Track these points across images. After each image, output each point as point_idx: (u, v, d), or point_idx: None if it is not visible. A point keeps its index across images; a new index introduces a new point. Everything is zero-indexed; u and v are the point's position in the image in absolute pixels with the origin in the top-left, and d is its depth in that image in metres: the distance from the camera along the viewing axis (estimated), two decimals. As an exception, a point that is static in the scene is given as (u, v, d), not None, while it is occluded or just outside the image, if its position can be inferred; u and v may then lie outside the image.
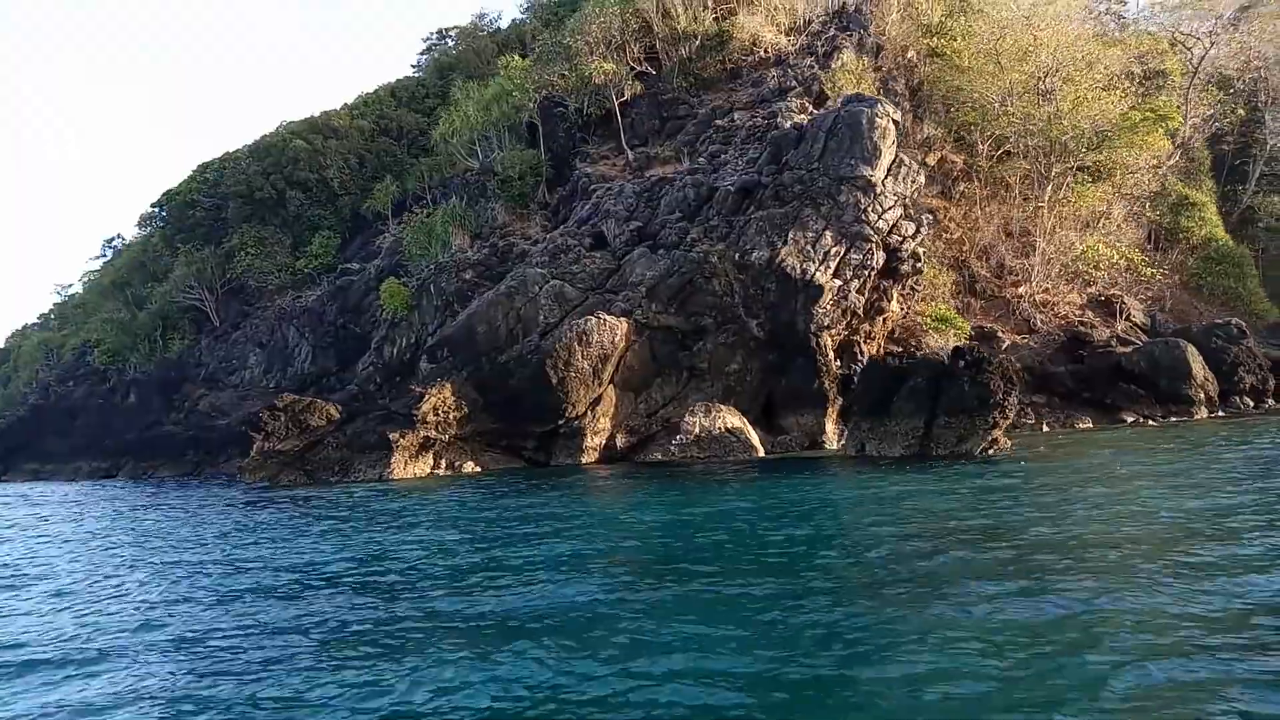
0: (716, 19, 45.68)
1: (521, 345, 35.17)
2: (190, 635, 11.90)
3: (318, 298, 57.61)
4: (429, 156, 60.11)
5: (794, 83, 41.34)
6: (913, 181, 33.71)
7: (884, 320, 34.42)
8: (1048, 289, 43.81)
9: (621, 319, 33.34)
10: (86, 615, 13.54)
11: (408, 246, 50.13)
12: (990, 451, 24.60)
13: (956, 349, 25.77)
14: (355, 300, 55.67)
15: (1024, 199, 44.66)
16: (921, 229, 33.60)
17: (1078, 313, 43.56)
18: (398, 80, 68.74)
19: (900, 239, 33.24)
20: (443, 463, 33.27)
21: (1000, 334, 41.36)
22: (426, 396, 31.96)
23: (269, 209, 62.78)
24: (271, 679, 9.76)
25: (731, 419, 31.08)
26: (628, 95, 45.50)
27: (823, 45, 43.64)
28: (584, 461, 33.07)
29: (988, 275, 44.41)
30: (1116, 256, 41.59)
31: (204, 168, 66.87)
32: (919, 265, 34.14)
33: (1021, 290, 43.69)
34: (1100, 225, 44.16)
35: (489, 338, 35.67)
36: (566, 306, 35.49)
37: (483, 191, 48.80)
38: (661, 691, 8.58)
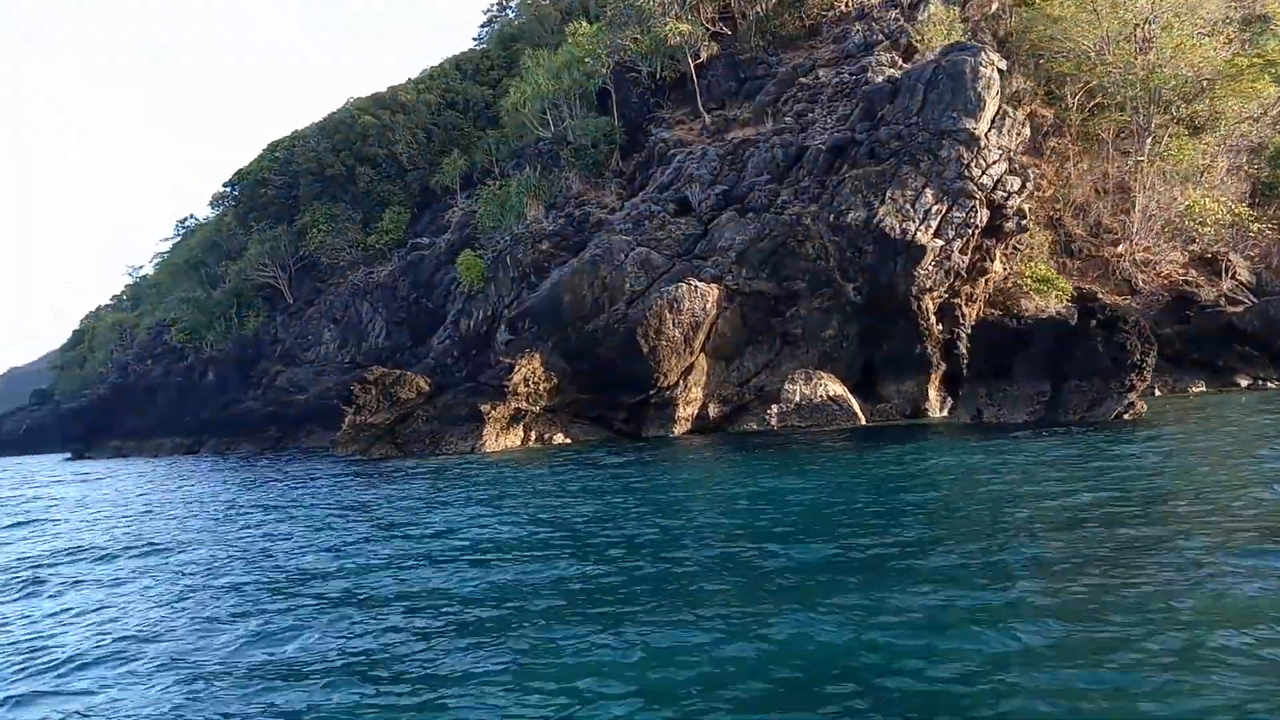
0: (796, -26, 43.90)
1: (608, 314, 34.12)
2: (418, 592, 11.13)
3: (389, 273, 57.15)
4: (496, 129, 59.24)
5: (880, 36, 39.58)
6: (1017, 134, 32.02)
7: (986, 281, 32.83)
8: (1148, 247, 41.70)
9: (712, 285, 32.16)
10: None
11: (480, 219, 49.32)
12: (1126, 416, 23.06)
13: (1086, 307, 24.23)
14: (427, 275, 55.10)
15: (1120, 154, 42.49)
16: (1027, 184, 31.89)
17: (1181, 271, 41.46)
18: (462, 53, 67.87)
19: (1005, 195, 31.58)
20: (532, 435, 32.46)
21: (1100, 295, 39.43)
22: (517, 367, 31.07)
23: (339, 186, 62.38)
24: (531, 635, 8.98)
25: (833, 386, 29.81)
26: (704, 56, 44.07)
27: (908, -3, 41.72)
28: (676, 433, 32.02)
29: (1083, 234, 42.38)
30: (1223, 211, 39.37)
31: (274, 146, 66.60)
32: (1024, 223, 32.47)
33: (1120, 249, 41.64)
34: (1202, 179, 41.87)
35: (574, 307, 34.66)
36: (653, 274, 34.34)
37: (556, 161, 47.72)
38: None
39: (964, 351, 30.81)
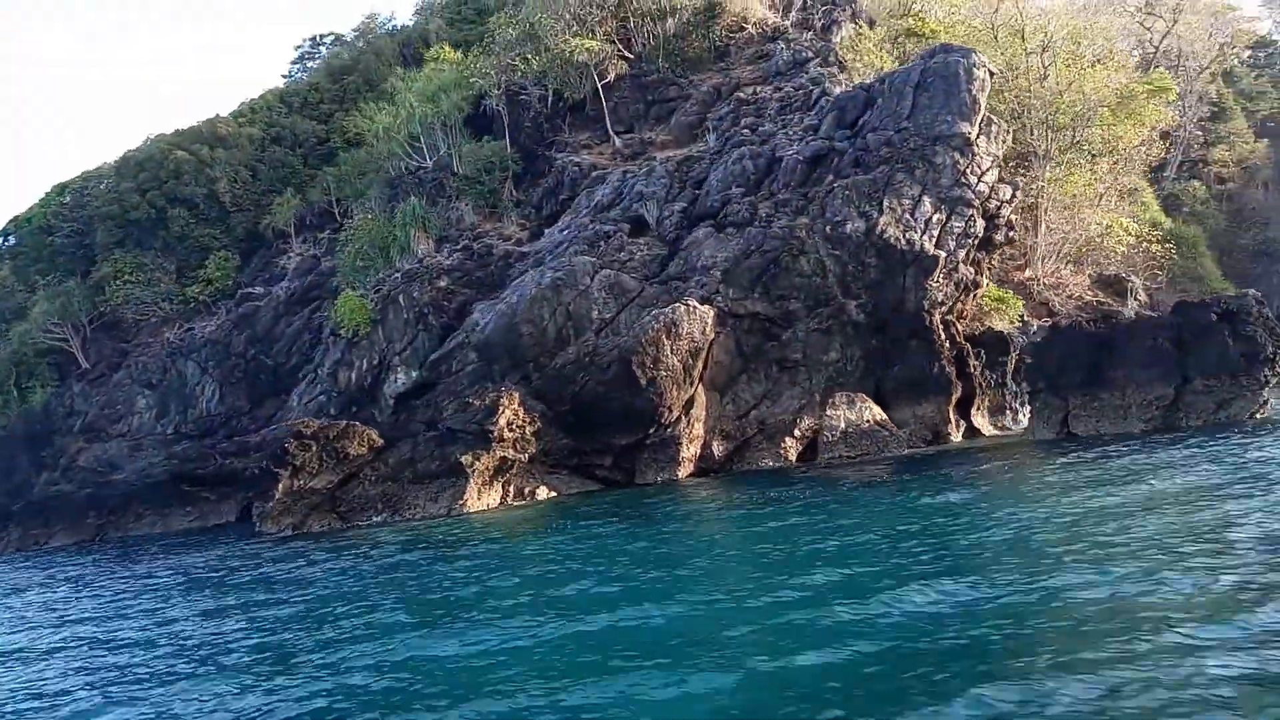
0: (700, -6, 41.14)
1: (577, 346, 29.21)
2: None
3: (219, 327, 48.96)
4: (333, 166, 52.60)
5: (809, 54, 37.31)
6: (1003, 141, 30.21)
7: (974, 297, 30.61)
8: (1055, 270, 41.45)
9: (707, 307, 28.01)
10: None
11: (347, 259, 42.74)
12: (1258, 416, 20.91)
13: (1203, 301, 22.07)
14: (265, 328, 47.64)
15: (1025, 178, 42.25)
16: (1016, 193, 30.07)
17: (1090, 293, 41.38)
18: (287, 85, 60.56)
19: (998, 204, 29.61)
20: (510, 489, 26.83)
21: (1026, 316, 38.53)
22: (500, 407, 25.46)
23: (146, 231, 53.27)
24: None
25: (877, 410, 26.30)
26: (611, 76, 40.22)
27: (820, 19, 39.90)
28: (680, 476, 27.44)
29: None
30: (1139, 232, 39.60)
31: (60, 189, 56.41)
32: (1011, 234, 30.61)
33: (1028, 273, 41.12)
34: (1099, 203, 42.22)
35: (536, 339, 29.46)
36: (624, 299, 29.83)
37: (441, 190, 42.14)
38: None
39: (975, 364, 28.26)
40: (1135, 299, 41.76)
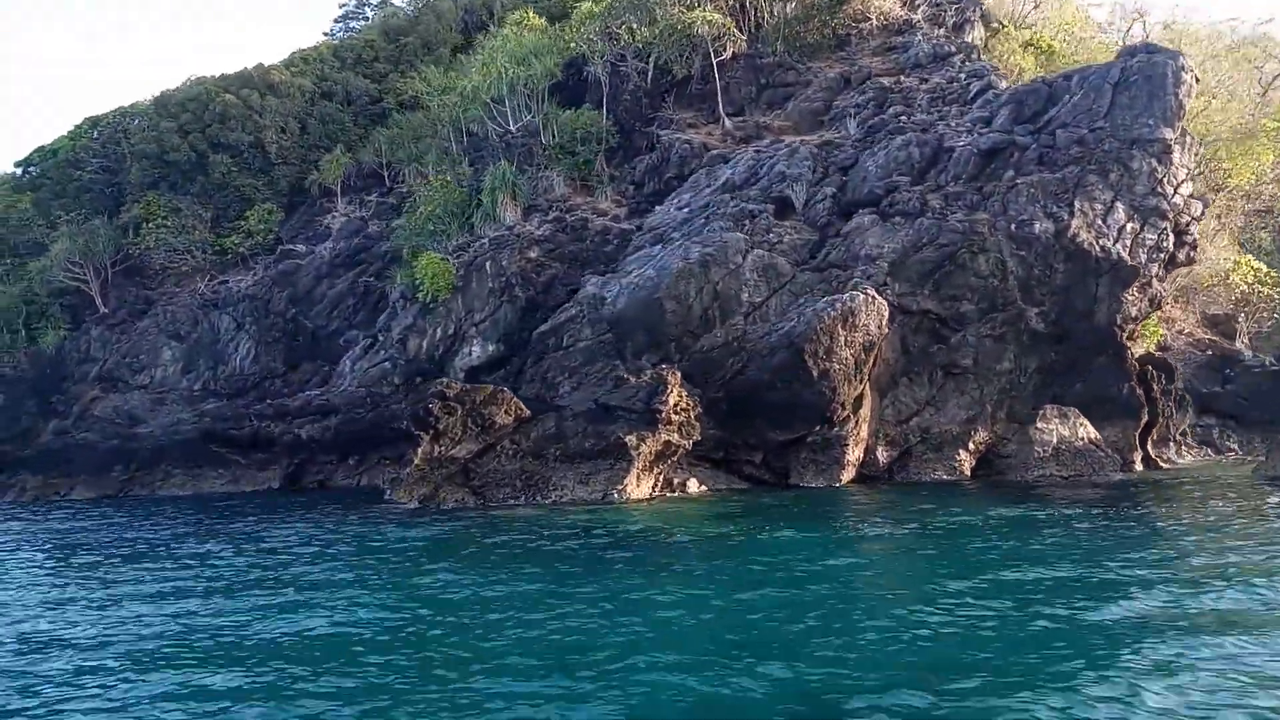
0: (831, -23, 38.23)
1: (725, 329, 25.92)
2: None
3: (257, 282, 44.97)
4: (384, 128, 48.97)
5: (950, 49, 34.59)
6: (1195, 153, 27.58)
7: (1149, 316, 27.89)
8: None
9: (882, 300, 24.91)
10: None
11: (419, 219, 39.01)
12: None
13: None
14: (306, 288, 43.79)
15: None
16: (1205, 211, 27.43)
17: (1200, 330, 39.06)
18: (341, 39, 56.61)
19: (1188, 219, 26.91)
20: (660, 481, 23.39)
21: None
22: (668, 386, 22.04)
23: (184, 174, 49.09)
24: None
25: (1090, 428, 23.34)
26: (729, 53, 37.10)
27: (952, 16, 37.23)
28: (843, 480, 24.22)
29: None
30: (1262, 272, 37.38)
31: (93, 122, 51.90)
32: (1193, 254, 27.92)
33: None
34: (1213, 240, 39.98)
35: (680, 318, 26.09)
36: (775, 283, 26.64)
37: (529, 158, 38.65)
38: None
39: (1157, 389, 25.48)
40: (1243, 339, 39.62)
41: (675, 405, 22.39)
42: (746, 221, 28.22)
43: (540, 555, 15.56)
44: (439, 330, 35.88)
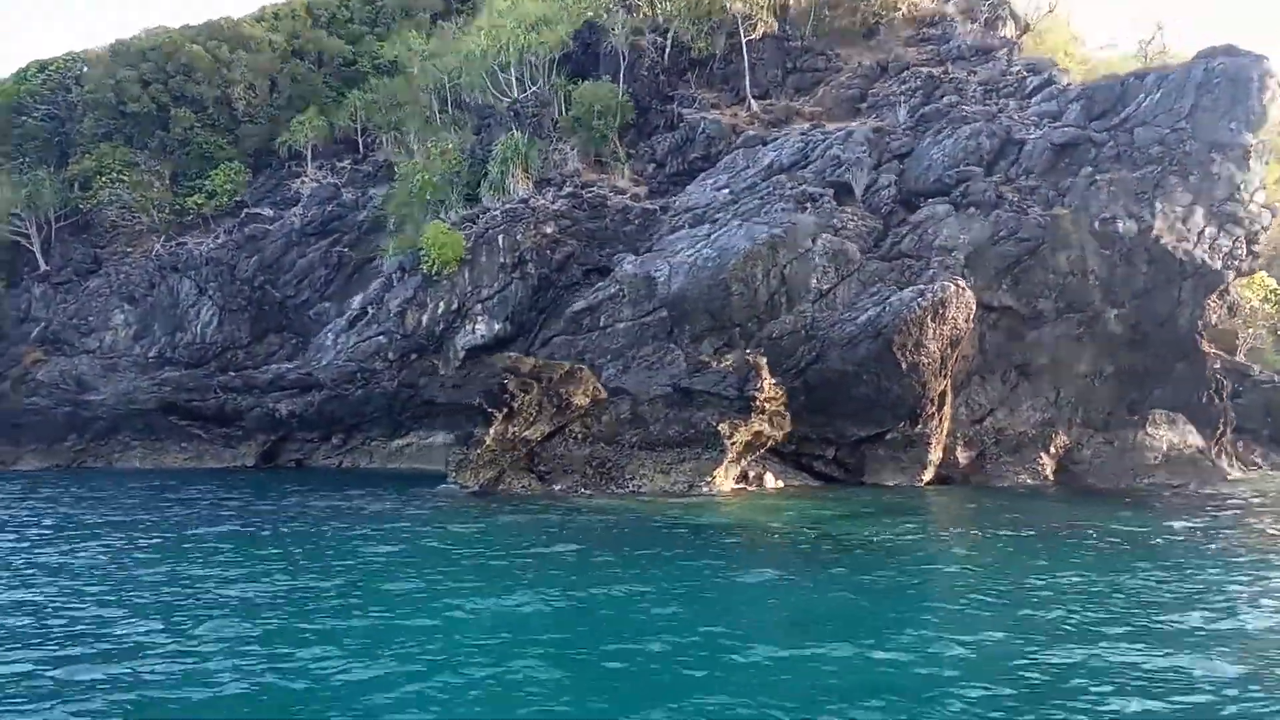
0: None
1: (794, 316, 23.81)
2: None
3: (222, 245, 41.12)
4: (359, 91, 45.52)
5: (994, 42, 33.23)
6: (1266, 162, 26.56)
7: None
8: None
9: (969, 292, 23.12)
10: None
11: (417, 187, 35.92)
12: None
13: None
14: (274, 256, 40.20)
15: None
16: (1274, 220, 26.45)
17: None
18: (312, -5, 52.55)
19: (1258, 229, 25.87)
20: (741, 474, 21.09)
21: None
22: (760, 372, 19.75)
23: (142, 127, 44.83)
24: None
25: (1197, 436, 21.90)
26: (759, 34, 34.99)
27: (985, 11, 35.90)
28: (924, 480, 22.34)
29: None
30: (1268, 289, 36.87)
31: (40, 66, 47.06)
32: (1255, 265, 26.95)
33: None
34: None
35: (746, 301, 23.85)
36: (845, 270, 24.65)
37: (539, 130, 35.89)
38: None
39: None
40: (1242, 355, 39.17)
41: (769, 393, 20.10)
42: (808, 205, 26.16)
43: (696, 549, 13.16)
44: (441, 304, 33.02)
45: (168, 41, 45.54)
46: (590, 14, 37.34)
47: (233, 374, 37.28)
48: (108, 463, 33.91)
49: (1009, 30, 35.99)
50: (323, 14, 50.20)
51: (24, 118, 45.28)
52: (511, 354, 22.03)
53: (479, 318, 32.52)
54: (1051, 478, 22.93)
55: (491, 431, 19.43)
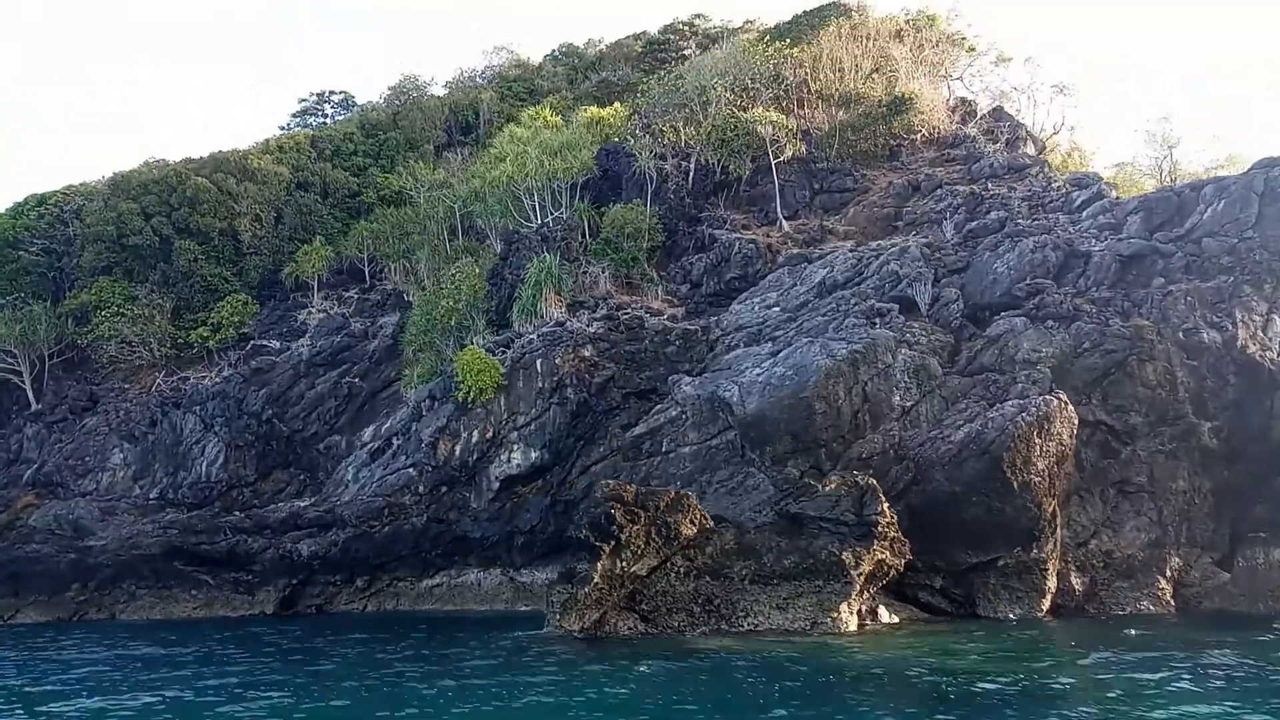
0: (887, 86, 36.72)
1: (882, 435, 22.36)
2: None
3: (228, 379, 39.13)
4: (364, 221, 44.68)
5: (1024, 160, 33.29)
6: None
7: None
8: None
9: (1071, 406, 21.89)
10: None
11: (440, 314, 34.54)
12: None
13: None
14: (282, 388, 38.21)
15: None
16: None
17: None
18: (318, 129, 52.20)
19: (1328, 339, 25.17)
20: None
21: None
22: (877, 494, 18.10)
23: (144, 260, 43.26)
24: None
25: None
26: (787, 155, 34.68)
27: (1005, 133, 36.12)
28: (1043, 611, 20.56)
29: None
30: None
31: (38, 200, 45.66)
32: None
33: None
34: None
35: (830, 420, 22.38)
36: (927, 385, 23.40)
37: (567, 253, 34.87)
38: None
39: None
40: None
41: (890, 517, 18.43)
42: (876, 320, 25.07)
43: (921, 707, 11.23)
44: (476, 433, 31.15)
45: (171, 174, 44.44)
46: (616, 138, 37.00)
47: (239, 514, 34.80)
48: (111, 614, 30.93)
49: (1029, 149, 36.25)
50: (326, 146, 49.64)
51: (19, 252, 43.51)
52: (610, 481, 20.05)
53: (515, 446, 30.78)
54: (1172, 603, 21.29)
55: (600, 567, 17.39)
